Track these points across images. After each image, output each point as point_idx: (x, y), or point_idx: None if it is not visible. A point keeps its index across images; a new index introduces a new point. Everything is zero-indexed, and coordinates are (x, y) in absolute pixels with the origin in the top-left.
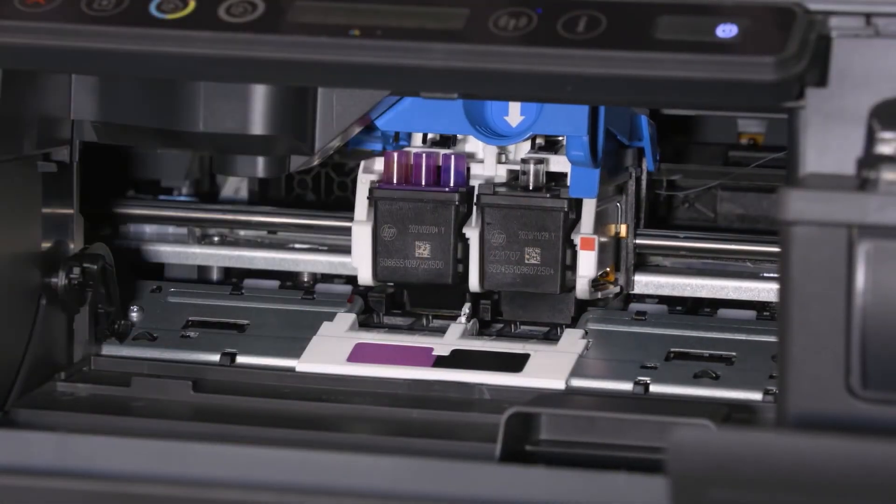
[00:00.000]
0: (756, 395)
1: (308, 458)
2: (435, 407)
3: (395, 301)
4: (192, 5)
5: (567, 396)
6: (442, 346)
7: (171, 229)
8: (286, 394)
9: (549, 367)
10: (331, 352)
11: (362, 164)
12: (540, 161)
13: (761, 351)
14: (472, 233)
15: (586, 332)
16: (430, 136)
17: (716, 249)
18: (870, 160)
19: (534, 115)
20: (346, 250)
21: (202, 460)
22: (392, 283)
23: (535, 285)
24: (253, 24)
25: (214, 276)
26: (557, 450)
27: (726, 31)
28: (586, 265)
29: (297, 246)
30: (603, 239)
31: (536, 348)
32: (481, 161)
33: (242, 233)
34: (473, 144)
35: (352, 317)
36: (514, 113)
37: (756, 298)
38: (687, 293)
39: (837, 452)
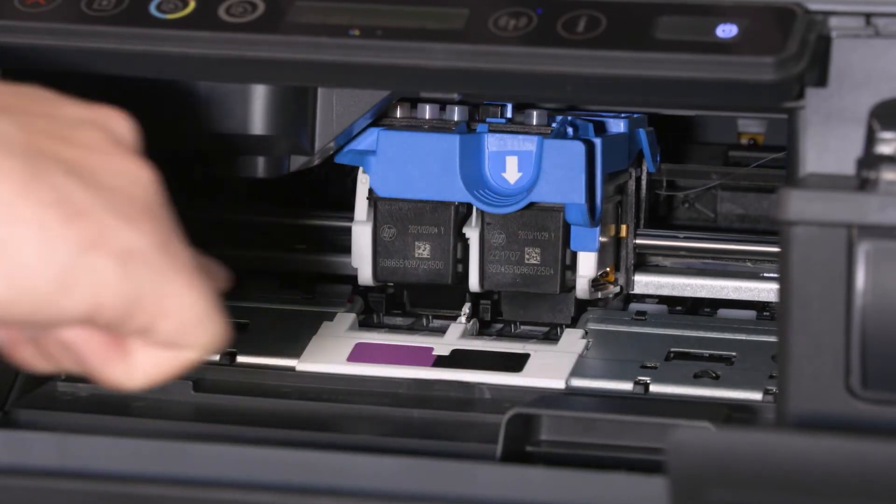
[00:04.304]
0: (756, 395)
1: (308, 458)
2: (435, 407)
3: (395, 301)
4: (192, 5)
5: (567, 397)
6: (442, 345)
7: None
8: (286, 394)
9: (549, 367)
10: (331, 351)
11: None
12: None
13: (761, 351)
14: (471, 233)
15: (586, 332)
16: None
17: (716, 249)
18: (870, 160)
19: (531, 172)
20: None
21: (202, 460)
22: (392, 284)
23: (535, 285)
24: (253, 24)
25: None
26: (558, 450)
27: (726, 31)
28: (586, 265)
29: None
30: (603, 239)
31: (536, 348)
32: None
33: None
34: None
35: (352, 317)
36: (512, 169)
37: (756, 298)
38: (687, 293)
39: (837, 452)
